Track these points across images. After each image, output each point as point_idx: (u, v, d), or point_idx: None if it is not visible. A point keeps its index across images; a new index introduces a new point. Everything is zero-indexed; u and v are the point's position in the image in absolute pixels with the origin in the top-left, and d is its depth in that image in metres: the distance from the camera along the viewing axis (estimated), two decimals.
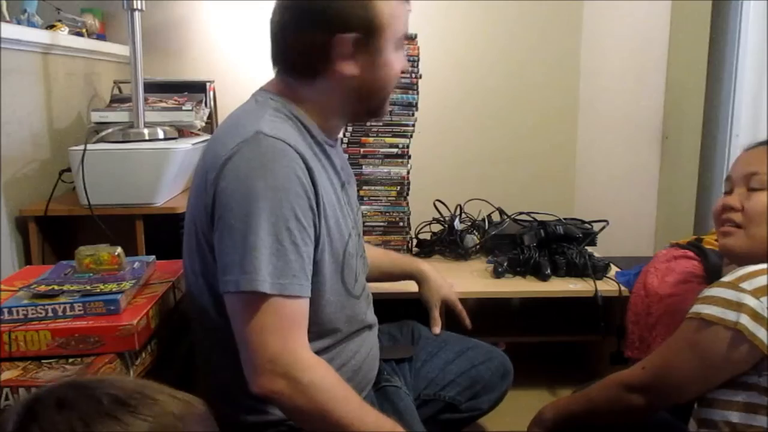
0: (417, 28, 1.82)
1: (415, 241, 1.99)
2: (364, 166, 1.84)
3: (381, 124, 1.82)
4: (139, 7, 1.59)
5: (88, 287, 1.08)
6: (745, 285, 0.93)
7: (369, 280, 1.22)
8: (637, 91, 2.35)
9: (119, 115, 1.70)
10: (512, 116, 2.45)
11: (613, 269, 1.79)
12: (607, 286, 1.70)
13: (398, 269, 1.47)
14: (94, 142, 1.58)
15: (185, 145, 1.62)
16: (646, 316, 1.57)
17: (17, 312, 1.00)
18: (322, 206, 0.97)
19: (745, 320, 0.91)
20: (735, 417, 0.95)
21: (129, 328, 0.99)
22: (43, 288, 1.08)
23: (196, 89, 1.92)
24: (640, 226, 2.37)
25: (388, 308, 1.34)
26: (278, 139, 0.93)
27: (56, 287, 1.08)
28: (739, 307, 0.92)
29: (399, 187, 1.86)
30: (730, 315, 0.92)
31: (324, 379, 0.92)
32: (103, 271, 1.18)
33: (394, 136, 1.84)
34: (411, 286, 1.49)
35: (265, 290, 0.89)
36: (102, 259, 1.19)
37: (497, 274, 1.76)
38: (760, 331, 0.91)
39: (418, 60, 1.81)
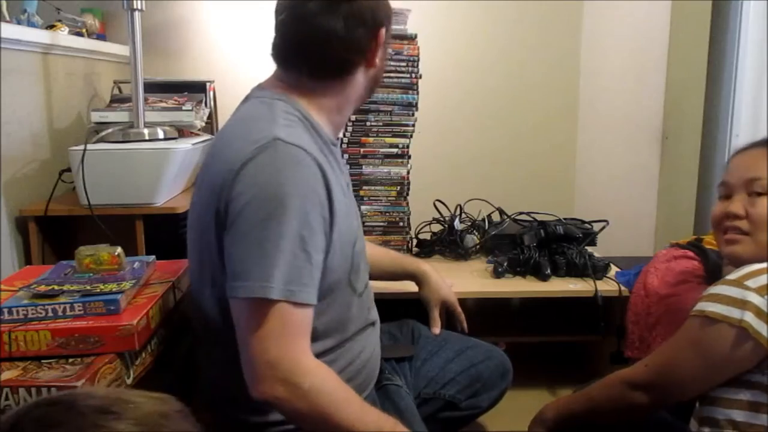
0: (417, 28, 1.83)
1: (415, 241, 1.99)
2: (364, 166, 1.83)
3: (381, 124, 1.82)
4: (139, 7, 1.59)
5: (88, 287, 1.08)
6: (749, 282, 0.93)
7: (370, 278, 1.22)
8: (637, 91, 2.35)
9: (119, 115, 1.69)
10: (512, 116, 2.45)
11: (613, 269, 1.79)
12: (607, 286, 1.70)
13: (399, 269, 1.47)
14: (94, 142, 1.58)
15: (185, 145, 1.62)
16: (646, 316, 1.57)
17: (17, 312, 1.00)
18: (335, 212, 0.97)
19: (749, 318, 0.91)
20: (738, 415, 0.95)
21: (129, 328, 0.99)
22: (43, 288, 1.08)
23: (196, 89, 1.92)
24: (640, 226, 2.37)
25: (388, 308, 1.34)
26: (296, 146, 0.93)
27: (56, 287, 1.08)
28: (743, 304, 0.92)
29: (399, 187, 1.86)
30: (734, 312, 0.92)
31: (325, 383, 0.92)
32: (103, 271, 1.18)
33: (394, 136, 1.84)
34: (411, 286, 1.49)
35: (275, 297, 0.88)
36: (102, 259, 1.19)
37: (497, 274, 1.76)
38: (764, 329, 0.91)
39: (418, 60, 1.81)
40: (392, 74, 1.80)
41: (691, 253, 1.58)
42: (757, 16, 2.11)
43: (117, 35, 2.12)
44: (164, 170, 1.55)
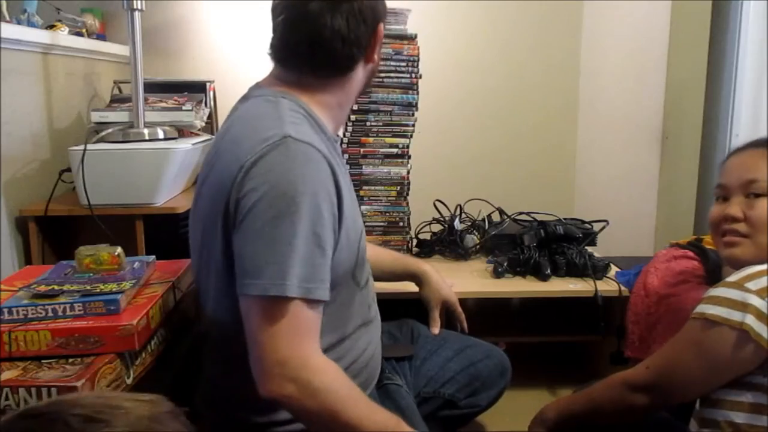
0: (417, 28, 1.83)
1: (415, 241, 1.99)
2: (364, 166, 1.84)
3: (381, 124, 1.82)
4: (139, 7, 1.59)
5: (88, 287, 1.08)
6: (750, 285, 0.93)
7: None
8: (637, 91, 2.35)
9: (119, 115, 1.69)
10: (512, 116, 2.45)
11: (613, 269, 1.79)
12: (607, 286, 1.70)
13: (400, 268, 1.47)
14: (94, 142, 1.58)
15: (185, 145, 1.62)
16: (646, 316, 1.57)
17: (17, 312, 1.00)
18: (343, 208, 0.97)
19: (750, 320, 0.91)
20: (738, 417, 0.95)
21: (129, 328, 0.99)
22: (43, 288, 1.08)
23: (196, 89, 1.92)
24: (640, 226, 2.37)
25: (388, 307, 1.34)
26: (306, 143, 0.94)
27: (56, 287, 1.08)
28: (744, 307, 0.92)
29: (399, 187, 1.86)
30: (735, 315, 0.92)
31: (334, 382, 0.92)
32: (103, 271, 1.18)
33: (394, 136, 1.84)
34: (410, 286, 1.49)
35: (293, 294, 0.88)
36: (102, 259, 1.19)
37: (497, 274, 1.76)
38: (765, 331, 0.90)
39: (418, 60, 1.81)
40: (392, 74, 1.80)
41: (691, 253, 1.58)
42: (757, 16, 2.11)
43: (117, 35, 2.12)
44: (164, 170, 1.55)
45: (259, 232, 0.90)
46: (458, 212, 1.99)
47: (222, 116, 2.10)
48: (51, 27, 1.73)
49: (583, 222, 1.94)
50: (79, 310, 1.02)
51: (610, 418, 1.10)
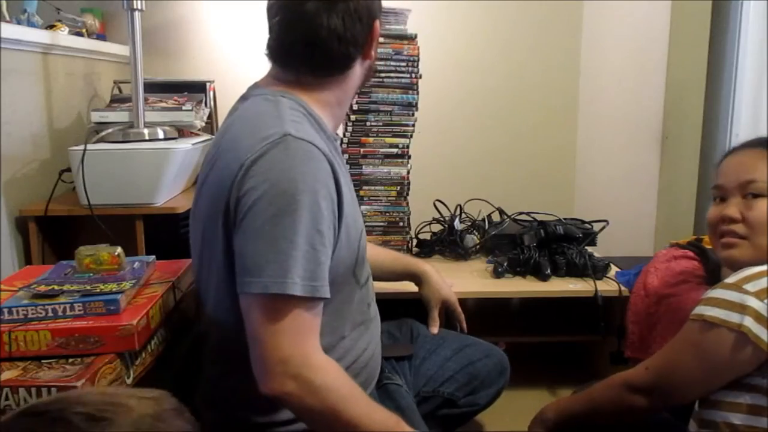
0: (417, 28, 1.83)
1: (415, 241, 1.99)
2: (364, 166, 1.83)
3: (381, 124, 1.82)
4: (139, 7, 1.59)
5: (88, 287, 1.08)
6: (748, 287, 0.93)
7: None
8: (637, 91, 2.35)
9: (119, 115, 1.70)
10: (512, 116, 2.45)
11: (613, 269, 1.79)
12: (607, 286, 1.70)
13: (400, 268, 1.48)
14: (94, 142, 1.58)
15: (185, 145, 1.62)
16: (646, 316, 1.57)
17: (17, 312, 1.00)
18: (343, 206, 0.98)
19: (749, 322, 0.91)
20: (737, 418, 0.95)
21: (129, 328, 0.99)
22: (43, 288, 1.08)
23: (196, 89, 1.92)
24: (640, 226, 2.37)
25: (388, 307, 1.34)
26: (306, 141, 0.94)
27: (56, 287, 1.08)
28: (742, 309, 0.92)
29: (399, 187, 1.86)
30: (733, 317, 0.92)
31: (335, 381, 0.92)
32: (103, 271, 1.18)
33: (394, 136, 1.84)
34: (410, 286, 1.49)
35: (294, 292, 0.88)
36: (102, 259, 1.19)
37: (497, 274, 1.76)
38: (763, 333, 0.90)
39: (418, 60, 1.81)
40: (392, 74, 1.80)
41: (691, 253, 1.58)
42: (757, 16, 2.11)
43: (117, 35, 2.12)
44: (164, 170, 1.55)
45: (260, 231, 0.90)
46: (458, 212, 1.99)
47: (222, 116, 2.10)
48: (51, 27, 1.73)
49: (583, 222, 1.94)
50: (79, 310, 1.02)
51: (610, 418, 1.10)
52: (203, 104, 1.88)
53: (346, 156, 1.81)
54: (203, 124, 1.83)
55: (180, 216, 1.56)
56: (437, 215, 2.01)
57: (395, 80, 1.81)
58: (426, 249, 1.98)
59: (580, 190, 2.52)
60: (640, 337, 1.59)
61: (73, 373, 0.93)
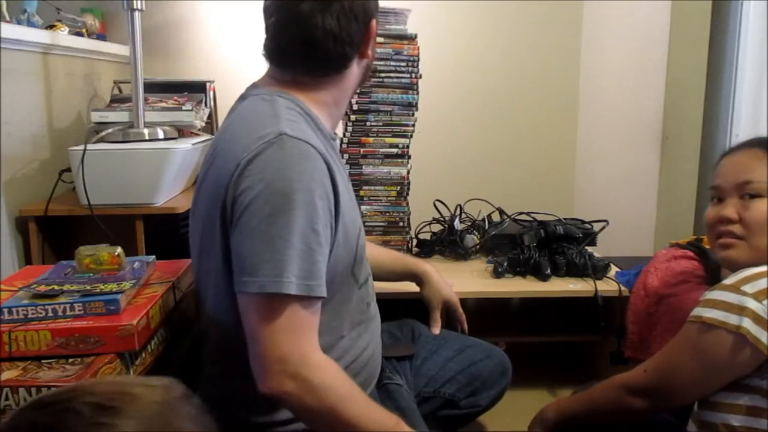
0: (417, 28, 1.83)
1: (415, 241, 1.99)
2: (364, 166, 1.83)
3: (381, 124, 1.82)
4: (139, 7, 1.59)
5: (88, 287, 1.08)
6: (746, 288, 0.93)
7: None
8: (637, 91, 2.35)
9: (119, 115, 1.70)
10: (512, 116, 2.45)
11: (613, 269, 1.79)
12: (607, 286, 1.70)
13: (401, 268, 1.47)
14: (94, 142, 1.58)
15: (185, 145, 1.62)
16: (646, 316, 1.57)
17: (17, 312, 1.00)
18: (340, 205, 0.98)
19: (747, 324, 0.91)
20: (736, 420, 0.95)
21: (129, 328, 0.99)
22: (43, 288, 1.08)
23: (196, 89, 1.92)
24: (640, 226, 2.37)
25: (388, 307, 1.34)
26: (302, 140, 0.94)
27: (56, 287, 1.08)
28: (741, 310, 0.92)
29: (399, 187, 1.86)
30: (732, 318, 0.92)
31: (334, 379, 0.92)
32: (103, 271, 1.18)
33: (394, 136, 1.84)
34: (411, 286, 1.49)
35: (291, 292, 0.89)
36: (102, 259, 1.19)
37: (497, 274, 1.76)
38: (762, 335, 0.90)
39: (418, 60, 1.81)
40: (392, 74, 1.80)
41: (691, 253, 1.58)
42: (757, 16, 2.11)
43: (117, 35, 2.12)
44: (164, 170, 1.55)
45: (256, 230, 0.90)
46: (458, 212, 1.99)
47: (222, 116, 2.09)
48: (51, 27, 1.74)
49: (583, 222, 1.94)
50: (79, 310, 1.02)
51: (609, 419, 1.10)
52: (203, 104, 1.88)
53: (346, 156, 1.81)
54: (203, 124, 1.83)
55: (180, 216, 1.56)
56: (437, 215, 2.01)
57: (395, 80, 1.81)
58: (426, 249, 1.98)
59: (580, 190, 2.52)
60: (640, 337, 1.59)
61: (73, 373, 0.93)
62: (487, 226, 1.98)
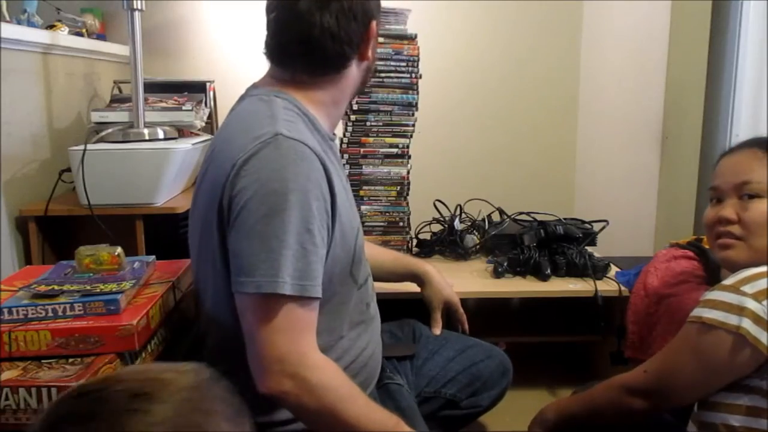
0: (417, 28, 1.83)
1: (415, 241, 1.99)
2: (364, 166, 1.83)
3: (381, 124, 1.82)
4: (139, 7, 1.59)
5: (88, 287, 1.08)
6: (746, 288, 0.93)
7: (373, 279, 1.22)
8: (637, 91, 2.35)
9: (119, 115, 1.70)
10: (512, 116, 2.45)
11: (613, 269, 1.79)
12: (607, 286, 1.70)
13: (401, 269, 1.47)
14: (94, 142, 1.58)
15: (185, 145, 1.62)
16: (646, 316, 1.57)
17: (17, 312, 1.00)
18: (337, 206, 0.98)
19: (747, 324, 0.91)
20: (736, 420, 0.95)
21: (129, 328, 1.00)
22: (43, 288, 1.08)
23: (196, 89, 1.92)
24: (640, 226, 2.37)
25: (389, 307, 1.34)
26: (298, 141, 0.94)
27: (56, 287, 1.08)
28: (740, 310, 0.91)
29: (399, 187, 1.86)
30: (732, 319, 0.92)
31: (332, 379, 0.92)
32: (103, 271, 1.18)
33: (394, 136, 1.84)
34: (411, 286, 1.49)
35: (286, 292, 0.89)
36: (102, 259, 1.19)
37: (497, 274, 1.76)
38: (762, 335, 0.90)
39: (418, 60, 1.81)
40: (392, 74, 1.80)
41: (691, 253, 1.58)
42: (757, 16, 2.11)
43: (117, 35, 2.12)
44: (164, 170, 1.55)
45: (252, 230, 0.90)
46: (458, 212, 1.99)
47: (222, 116, 2.10)
48: (51, 27, 1.74)
49: (583, 222, 1.94)
50: (79, 310, 1.02)
51: (609, 420, 1.10)
52: (203, 104, 1.88)
53: (346, 156, 1.81)
54: (203, 124, 1.83)
55: (180, 216, 1.56)
56: (437, 215, 2.01)
57: (395, 80, 1.81)
58: (426, 249, 1.98)
59: (580, 190, 2.52)
60: (640, 337, 1.59)
61: (73, 373, 0.93)
62: (487, 226, 1.98)
